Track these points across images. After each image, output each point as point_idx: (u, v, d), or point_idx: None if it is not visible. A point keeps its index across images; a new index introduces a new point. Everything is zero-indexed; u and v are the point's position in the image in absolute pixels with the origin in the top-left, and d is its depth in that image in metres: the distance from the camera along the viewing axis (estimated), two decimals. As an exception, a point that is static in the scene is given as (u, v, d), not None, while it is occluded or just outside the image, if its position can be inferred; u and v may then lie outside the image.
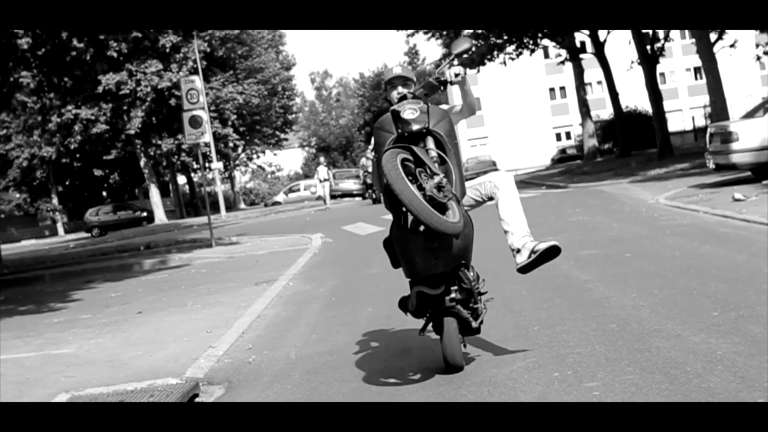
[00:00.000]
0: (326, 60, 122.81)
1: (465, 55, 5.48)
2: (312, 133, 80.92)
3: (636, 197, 17.07)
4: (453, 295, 5.23)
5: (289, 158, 78.94)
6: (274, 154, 64.53)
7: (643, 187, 19.08)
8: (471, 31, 32.88)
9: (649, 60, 30.41)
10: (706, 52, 24.43)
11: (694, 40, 25.99)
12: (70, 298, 12.35)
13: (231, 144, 46.60)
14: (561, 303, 7.02)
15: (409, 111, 5.07)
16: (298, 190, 54.03)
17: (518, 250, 5.21)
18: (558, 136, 63.51)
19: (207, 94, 39.21)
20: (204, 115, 18.18)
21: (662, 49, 31.05)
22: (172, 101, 39.10)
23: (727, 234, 9.92)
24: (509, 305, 7.18)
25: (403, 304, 5.56)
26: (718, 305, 6.09)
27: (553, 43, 37.53)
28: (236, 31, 43.19)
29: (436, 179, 4.88)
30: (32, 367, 7.28)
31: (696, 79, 61.68)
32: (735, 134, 15.65)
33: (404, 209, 4.90)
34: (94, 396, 5.95)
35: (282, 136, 58.81)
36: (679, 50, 62.25)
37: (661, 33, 31.28)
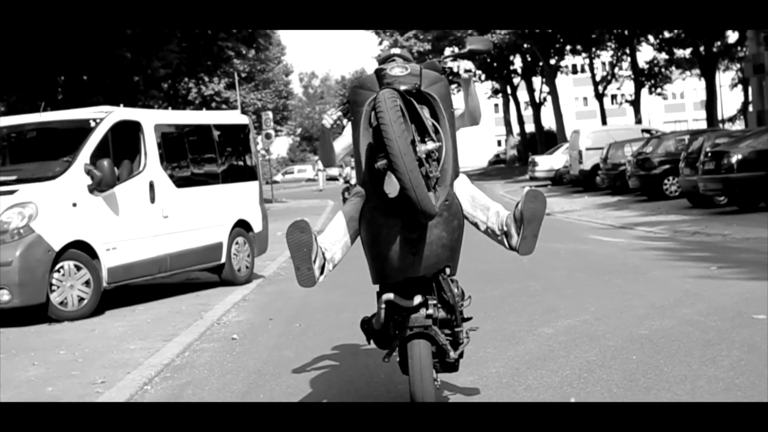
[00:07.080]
0: (313, 62, 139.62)
1: (478, 57, 4.55)
2: (298, 125, 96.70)
3: (494, 191, 33.03)
4: (430, 311, 4.18)
5: (277, 145, 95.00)
6: (271, 143, 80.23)
7: (503, 187, 35.01)
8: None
9: (535, 105, 46.84)
10: (552, 94, 40.60)
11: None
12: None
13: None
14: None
15: (398, 69, 4.14)
16: (292, 172, 69.69)
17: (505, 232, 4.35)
18: (499, 143, 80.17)
19: (236, 100, 54.96)
20: (273, 133, 34.01)
21: (545, 99, 47.37)
22: (213, 104, 54.75)
23: (498, 204, 26.00)
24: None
25: (367, 326, 4.53)
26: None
27: (486, 83, 53.78)
28: (258, 53, 58.84)
29: (431, 145, 4.01)
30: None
31: (612, 104, 78.19)
32: (537, 162, 32.06)
33: (387, 164, 3.83)
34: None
35: (278, 128, 74.56)
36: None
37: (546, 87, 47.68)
